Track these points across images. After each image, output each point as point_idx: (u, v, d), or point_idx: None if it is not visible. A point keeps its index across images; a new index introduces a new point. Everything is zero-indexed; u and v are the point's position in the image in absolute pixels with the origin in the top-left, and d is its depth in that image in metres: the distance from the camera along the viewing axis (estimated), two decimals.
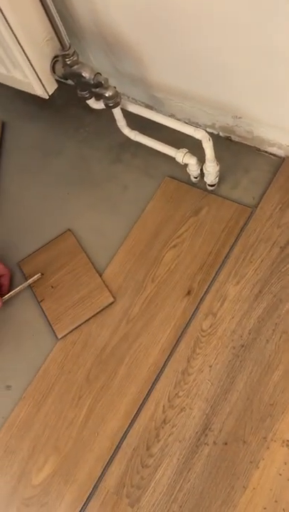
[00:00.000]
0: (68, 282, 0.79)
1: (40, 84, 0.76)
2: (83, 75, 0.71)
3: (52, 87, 0.78)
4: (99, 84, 0.72)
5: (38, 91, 0.77)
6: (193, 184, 0.83)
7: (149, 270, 0.77)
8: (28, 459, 0.67)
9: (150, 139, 0.81)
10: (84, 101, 0.80)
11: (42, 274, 0.79)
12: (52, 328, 0.75)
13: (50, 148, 0.95)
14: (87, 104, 0.82)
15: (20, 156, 0.96)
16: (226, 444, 0.62)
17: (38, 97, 0.83)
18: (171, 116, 0.88)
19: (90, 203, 0.86)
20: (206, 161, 0.75)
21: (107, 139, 0.92)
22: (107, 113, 0.82)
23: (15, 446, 0.68)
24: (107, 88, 0.73)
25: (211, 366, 0.67)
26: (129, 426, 0.66)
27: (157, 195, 0.83)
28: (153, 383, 0.68)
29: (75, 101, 0.98)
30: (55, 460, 0.66)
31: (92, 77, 0.71)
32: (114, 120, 0.81)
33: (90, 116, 0.96)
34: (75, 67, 0.71)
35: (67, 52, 0.69)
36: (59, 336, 0.75)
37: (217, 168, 0.76)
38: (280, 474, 0.59)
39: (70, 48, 0.69)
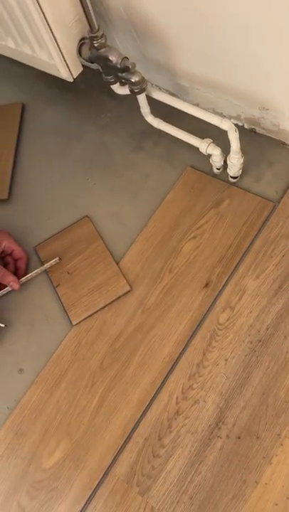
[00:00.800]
0: (85, 269, 0.78)
1: (66, 66, 0.74)
2: (110, 58, 0.70)
3: (77, 70, 0.77)
4: (125, 69, 0.71)
5: (63, 73, 0.76)
6: (215, 175, 0.82)
7: (167, 260, 0.76)
8: (39, 443, 0.67)
9: (174, 127, 0.80)
10: (108, 86, 0.78)
11: (60, 259, 0.79)
12: (67, 314, 0.75)
13: (70, 133, 0.94)
14: (110, 90, 0.80)
15: (40, 140, 0.95)
16: (239, 438, 0.62)
17: (60, 81, 0.82)
18: (196, 105, 0.86)
19: (109, 190, 0.85)
20: (231, 153, 0.73)
21: (129, 126, 0.91)
22: (129, 99, 0.81)
23: (26, 429, 0.69)
24: (133, 73, 0.71)
25: (226, 360, 0.67)
26: (141, 416, 0.66)
27: (178, 185, 0.82)
28: (167, 374, 0.68)
29: (98, 86, 0.97)
30: (66, 445, 0.66)
31: (120, 61, 0.70)
32: (136, 107, 0.79)
33: (113, 102, 0.94)
34: (102, 50, 0.70)
35: (95, 35, 0.68)
36: (74, 323, 0.74)
37: (242, 160, 0.75)
38: None
39: (98, 30, 0.67)
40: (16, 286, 0.74)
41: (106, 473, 0.64)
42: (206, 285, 0.73)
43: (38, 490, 0.65)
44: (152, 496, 0.61)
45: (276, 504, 0.58)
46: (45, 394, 0.71)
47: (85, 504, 0.63)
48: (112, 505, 0.62)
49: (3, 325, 0.76)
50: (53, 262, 0.78)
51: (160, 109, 0.79)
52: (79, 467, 0.65)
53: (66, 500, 0.64)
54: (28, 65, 0.83)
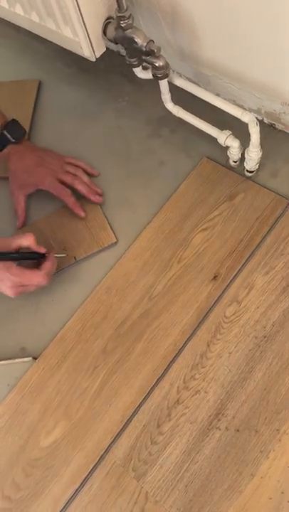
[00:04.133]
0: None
1: (90, 44, 0.73)
2: (136, 40, 0.69)
3: (100, 49, 0.75)
4: (150, 53, 0.70)
5: (86, 52, 0.75)
6: (231, 168, 0.81)
7: (177, 250, 0.76)
8: (37, 422, 0.68)
9: (193, 116, 0.79)
10: (129, 69, 0.77)
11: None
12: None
13: (86, 114, 0.92)
14: (130, 73, 0.79)
15: (55, 119, 0.93)
16: (237, 430, 0.62)
17: (79, 60, 0.81)
18: (216, 95, 0.85)
19: (122, 175, 0.85)
20: (250, 146, 0.73)
21: (146, 112, 0.90)
22: (149, 84, 0.79)
23: (26, 407, 0.69)
24: (158, 57, 0.70)
25: (230, 353, 0.67)
26: (141, 402, 0.66)
27: (193, 175, 0.81)
28: (170, 363, 0.68)
29: (118, 68, 0.96)
30: (65, 426, 0.67)
31: (145, 44, 0.69)
32: (155, 92, 0.78)
33: (131, 86, 0.93)
34: (129, 31, 0.68)
35: (123, 14, 0.66)
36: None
37: (260, 154, 0.74)
38: None
39: (127, 9, 0.66)
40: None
41: (103, 456, 0.64)
42: (215, 278, 0.72)
43: (34, 468, 0.65)
44: (148, 481, 0.62)
45: (270, 498, 0.59)
46: (46, 374, 0.71)
47: (80, 485, 0.63)
48: (107, 488, 0.63)
49: (64, 255, 0.77)
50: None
51: (178, 97, 0.78)
52: (76, 448, 0.65)
53: (61, 479, 0.64)
54: (47, 42, 0.82)
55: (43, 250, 0.71)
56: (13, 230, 0.82)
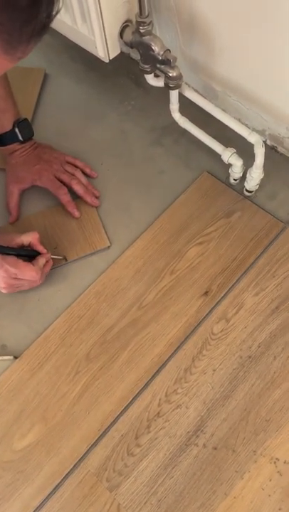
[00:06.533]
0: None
1: (105, 45, 0.72)
2: (153, 47, 0.68)
3: (115, 51, 0.74)
4: (166, 62, 0.69)
5: (100, 52, 0.74)
6: (230, 185, 0.81)
7: (170, 262, 0.76)
8: (12, 423, 0.66)
9: (199, 129, 0.79)
10: (137, 73, 0.77)
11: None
12: None
13: (90, 114, 0.91)
14: (138, 77, 0.79)
15: (57, 114, 0.91)
16: (215, 449, 0.63)
17: (86, 57, 0.79)
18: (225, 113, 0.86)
19: (121, 179, 0.84)
20: (254, 167, 0.73)
21: (151, 119, 0.89)
22: (156, 91, 0.79)
23: (1, 406, 0.67)
24: (173, 68, 0.70)
25: (214, 370, 0.67)
26: (121, 412, 0.66)
27: (192, 188, 0.81)
28: (153, 375, 0.68)
29: (126, 71, 0.95)
30: (40, 429, 0.65)
31: (162, 52, 0.68)
32: (162, 100, 0.78)
33: (138, 91, 0.92)
34: (147, 37, 0.68)
35: (143, 20, 0.66)
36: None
37: (262, 175, 0.75)
38: (263, 489, 0.60)
39: (148, 16, 0.65)
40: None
41: (77, 464, 0.63)
42: (206, 293, 0.73)
43: (5, 470, 0.63)
44: (121, 493, 0.61)
45: None
46: (25, 374, 0.69)
47: (51, 492, 0.62)
48: (78, 497, 0.62)
49: (61, 257, 0.75)
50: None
51: (183, 107, 0.78)
52: (50, 454, 0.64)
53: (33, 484, 0.63)
54: (55, 33, 0.79)
55: (43, 251, 0.70)
56: (4, 224, 0.80)
